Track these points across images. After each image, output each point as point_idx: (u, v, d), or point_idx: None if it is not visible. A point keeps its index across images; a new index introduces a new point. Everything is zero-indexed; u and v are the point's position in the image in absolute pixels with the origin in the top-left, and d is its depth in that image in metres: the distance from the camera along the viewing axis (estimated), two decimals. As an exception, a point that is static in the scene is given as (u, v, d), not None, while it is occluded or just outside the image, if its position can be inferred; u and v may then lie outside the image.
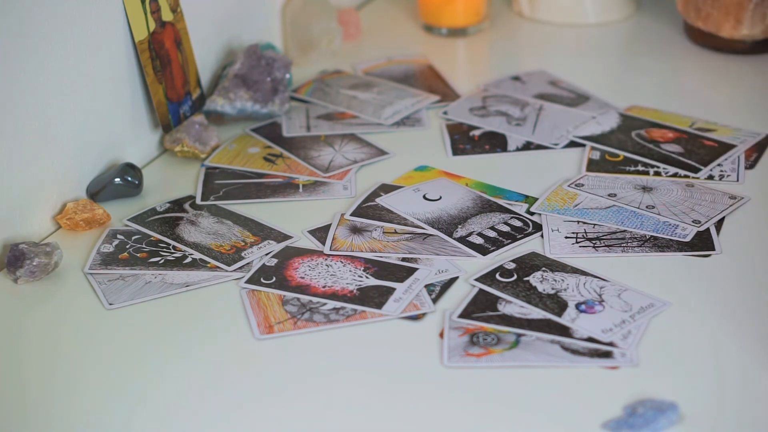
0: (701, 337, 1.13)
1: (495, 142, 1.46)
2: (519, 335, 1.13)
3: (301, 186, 1.39)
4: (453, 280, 1.22)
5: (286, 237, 1.29)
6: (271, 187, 1.38)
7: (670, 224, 1.28)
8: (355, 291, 1.20)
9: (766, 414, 1.04)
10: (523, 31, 1.79)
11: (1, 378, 1.11)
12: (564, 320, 1.15)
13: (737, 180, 1.37)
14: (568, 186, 1.36)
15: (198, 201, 1.36)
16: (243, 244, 1.28)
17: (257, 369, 1.11)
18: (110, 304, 1.19)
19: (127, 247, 1.28)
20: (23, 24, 1.22)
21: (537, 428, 1.04)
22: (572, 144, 1.45)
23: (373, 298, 1.19)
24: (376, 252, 1.26)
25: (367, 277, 1.22)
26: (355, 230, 1.30)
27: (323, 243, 1.28)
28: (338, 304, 1.18)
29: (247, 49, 1.51)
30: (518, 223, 1.30)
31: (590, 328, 1.14)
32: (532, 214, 1.32)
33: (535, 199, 1.34)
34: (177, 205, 1.35)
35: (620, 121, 1.49)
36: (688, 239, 1.26)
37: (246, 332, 1.15)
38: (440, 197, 1.34)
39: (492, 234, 1.28)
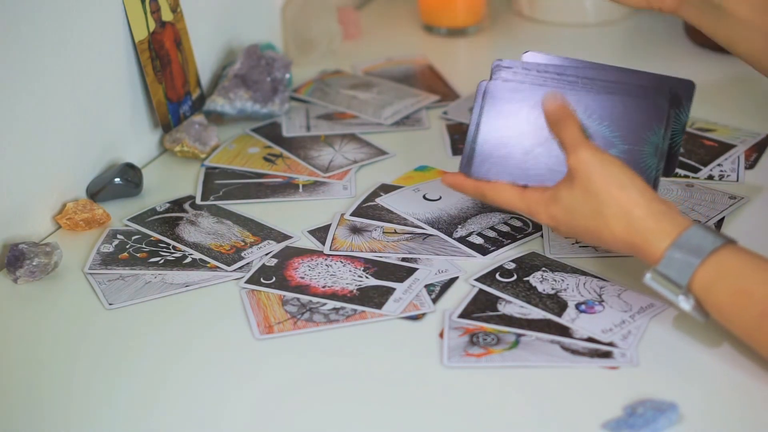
0: (701, 337, 1.13)
1: (495, 142, 1.46)
2: (519, 335, 1.13)
3: (301, 186, 1.39)
4: (453, 280, 1.22)
5: (286, 237, 1.29)
6: (271, 187, 1.38)
7: (670, 224, 1.28)
8: (355, 291, 1.20)
9: (766, 414, 1.04)
10: (523, 31, 1.79)
11: (1, 378, 1.11)
12: (564, 320, 1.15)
13: (737, 180, 1.37)
14: (568, 186, 1.36)
15: (198, 201, 1.36)
16: (243, 244, 1.28)
17: (257, 369, 1.11)
18: (110, 304, 1.19)
19: (127, 247, 1.28)
20: (23, 24, 1.22)
21: (537, 428, 1.04)
22: (572, 144, 1.45)
23: (373, 298, 1.19)
24: (376, 252, 1.26)
25: (367, 277, 1.22)
26: (355, 230, 1.30)
27: (323, 243, 1.28)
28: (338, 304, 1.18)
29: (247, 49, 1.51)
30: (518, 223, 1.30)
31: (590, 328, 1.13)
32: (532, 214, 1.32)
33: (535, 199, 1.34)
34: (177, 205, 1.35)
35: (620, 121, 1.48)
36: (688, 239, 1.26)
37: (246, 332, 1.15)
38: (440, 197, 1.34)
39: (492, 234, 1.28)
